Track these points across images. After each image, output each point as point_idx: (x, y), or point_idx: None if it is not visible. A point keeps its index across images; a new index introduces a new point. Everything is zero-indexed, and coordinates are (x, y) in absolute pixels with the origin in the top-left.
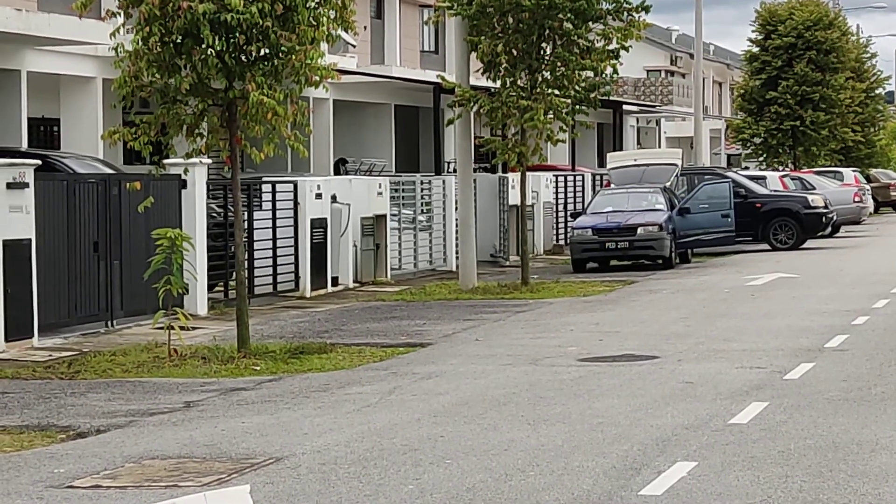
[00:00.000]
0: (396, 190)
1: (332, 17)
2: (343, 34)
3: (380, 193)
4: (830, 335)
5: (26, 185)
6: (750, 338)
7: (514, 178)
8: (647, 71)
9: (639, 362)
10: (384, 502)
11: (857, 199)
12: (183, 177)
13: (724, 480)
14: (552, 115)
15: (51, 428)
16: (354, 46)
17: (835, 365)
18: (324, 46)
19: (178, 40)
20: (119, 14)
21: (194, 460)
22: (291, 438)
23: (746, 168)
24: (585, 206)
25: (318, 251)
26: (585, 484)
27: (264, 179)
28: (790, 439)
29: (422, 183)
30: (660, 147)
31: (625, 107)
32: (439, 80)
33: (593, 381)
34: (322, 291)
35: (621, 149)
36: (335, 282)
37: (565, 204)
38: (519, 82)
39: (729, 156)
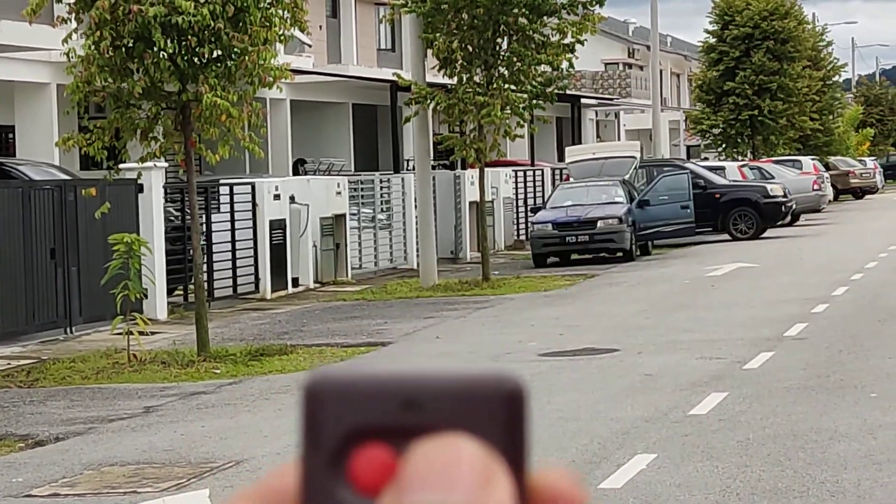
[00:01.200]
0: (355, 189)
1: (284, 17)
2: (297, 34)
3: (338, 193)
4: (790, 324)
5: None
6: (710, 328)
7: (472, 174)
8: (605, 64)
9: (599, 356)
10: None
11: (815, 187)
12: (139, 181)
13: (684, 472)
14: (509, 111)
15: (9, 437)
16: (310, 46)
17: (794, 354)
18: (278, 47)
19: (130, 44)
20: (70, 19)
21: (154, 466)
22: (251, 441)
23: (706, 159)
24: (545, 200)
25: (278, 252)
26: None
27: (221, 181)
28: (749, 429)
29: (381, 182)
30: (619, 140)
31: (583, 100)
32: (396, 79)
33: (554, 376)
34: (282, 293)
35: (580, 142)
36: (295, 283)
37: (525, 199)
38: (475, 78)
39: (689, 147)
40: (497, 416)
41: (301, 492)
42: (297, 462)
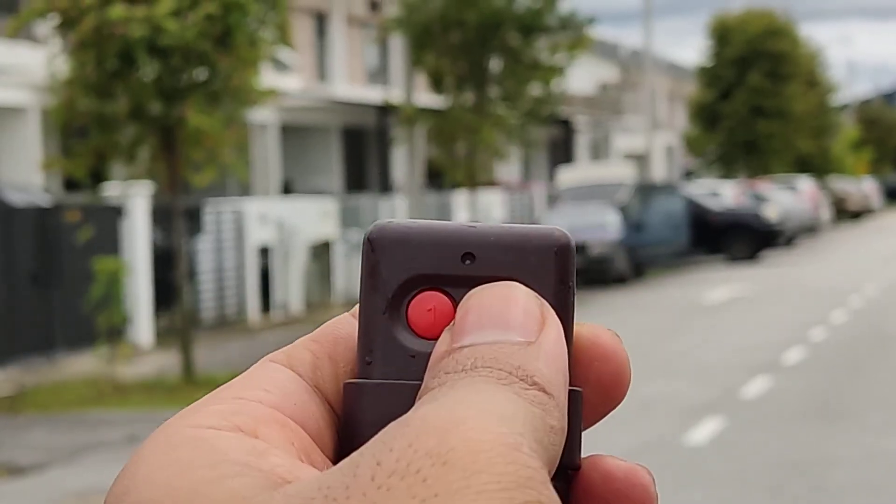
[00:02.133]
0: (343, 212)
1: (270, 38)
2: (283, 55)
3: (326, 216)
4: (786, 349)
5: None
6: (705, 354)
7: (463, 197)
8: (599, 85)
9: None
10: None
11: (812, 209)
12: (122, 205)
13: (680, 500)
14: (501, 132)
15: None
16: (295, 68)
17: (791, 380)
18: (264, 68)
19: (114, 66)
20: (53, 40)
21: None
22: None
23: (698, 179)
24: (537, 223)
25: (265, 277)
26: None
27: (207, 204)
28: (746, 457)
29: (369, 205)
30: (612, 161)
31: (576, 121)
32: (385, 101)
33: None
34: (269, 318)
35: (573, 163)
36: (283, 308)
37: (516, 221)
38: (466, 99)
39: (687, 171)
40: (547, 266)
41: (361, 335)
42: (359, 306)
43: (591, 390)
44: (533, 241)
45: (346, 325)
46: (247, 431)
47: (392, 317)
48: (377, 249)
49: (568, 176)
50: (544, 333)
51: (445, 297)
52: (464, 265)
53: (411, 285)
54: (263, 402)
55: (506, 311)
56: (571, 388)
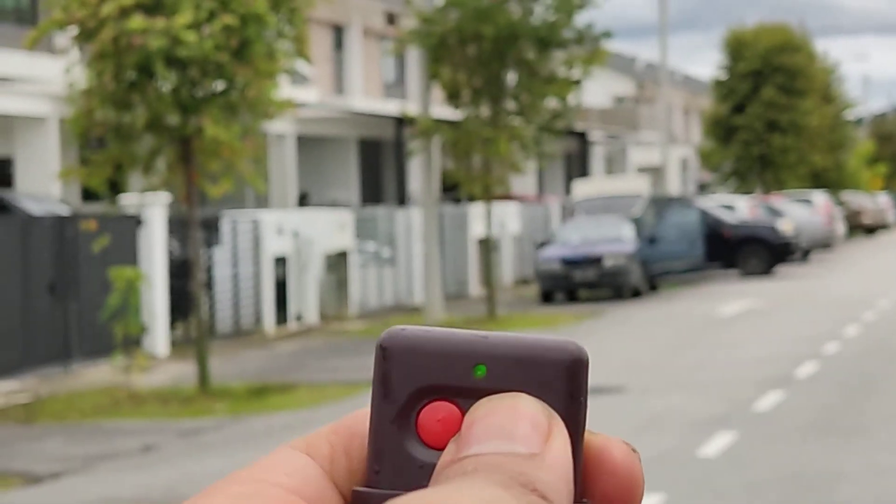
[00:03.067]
0: (360, 224)
1: (288, 50)
2: (301, 67)
3: (342, 227)
4: (799, 363)
5: None
6: (718, 368)
7: (478, 209)
8: (614, 98)
9: (605, 395)
10: None
11: (827, 223)
12: (139, 215)
13: None
14: (517, 145)
15: (6, 473)
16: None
17: (804, 394)
18: (281, 79)
19: (132, 76)
20: (72, 51)
21: None
22: None
23: (713, 193)
24: (552, 236)
25: (280, 288)
26: None
27: (224, 215)
28: (757, 471)
29: (385, 216)
30: (627, 175)
31: (591, 134)
32: (401, 113)
33: None
34: (285, 328)
35: (588, 177)
36: (298, 318)
37: (532, 234)
38: (482, 112)
39: (702, 185)
40: (558, 380)
41: (371, 442)
42: (369, 413)
43: None
44: (545, 355)
45: (363, 421)
46: None
47: (401, 426)
48: (389, 358)
49: (583, 189)
50: (549, 444)
51: (455, 408)
52: (475, 376)
53: (422, 395)
54: (284, 486)
55: (512, 422)
56: (579, 503)
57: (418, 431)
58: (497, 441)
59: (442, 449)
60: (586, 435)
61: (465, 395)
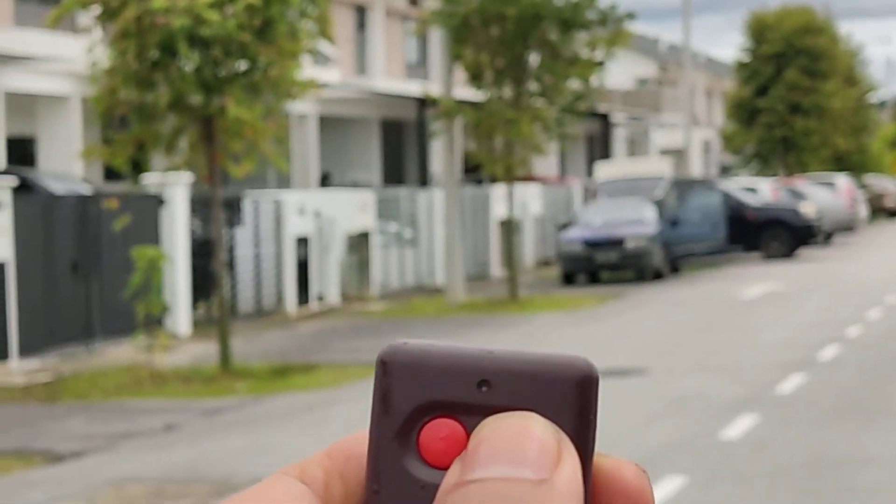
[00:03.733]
0: (381, 205)
1: (311, 30)
2: (323, 47)
3: (364, 208)
4: (822, 346)
5: (3, 205)
6: (740, 350)
7: (500, 190)
8: (637, 80)
9: (627, 378)
10: None
11: (849, 206)
12: (161, 194)
13: (712, 497)
14: (539, 126)
15: (28, 452)
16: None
17: (826, 377)
18: (304, 60)
19: (155, 56)
20: (95, 30)
21: (174, 483)
22: (274, 460)
23: (735, 175)
24: (574, 217)
25: (302, 268)
26: None
27: (246, 195)
28: (779, 454)
29: (407, 197)
30: (650, 157)
31: (614, 116)
32: (423, 94)
33: None
34: (306, 309)
35: (611, 158)
36: (320, 299)
37: (553, 216)
38: (505, 93)
39: (725, 167)
40: (567, 398)
41: (370, 461)
42: (369, 430)
43: None
44: (553, 371)
45: (359, 443)
46: None
47: (402, 444)
48: (389, 372)
49: (605, 170)
50: (559, 471)
51: (459, 426)
52: (480, 393)
53: (424, 411)
54: None
55: (520, 444)
56: None
57: (420, 450)
58: (504, 465)
59: (444, 468)
60: (596, 457)
61: (470, 412)
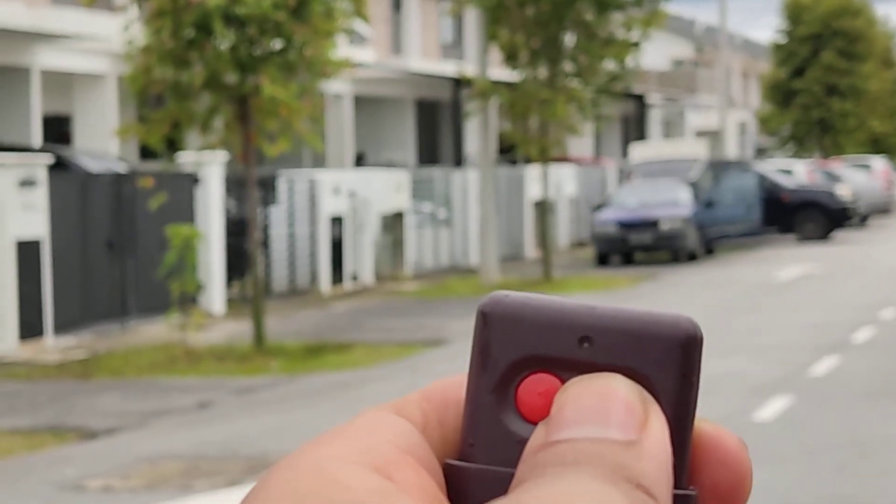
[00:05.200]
0: (416, 185)
1: (346, 10)
2: (358, 27)
3: (399, 188)
4: (856, 329)
5: (39, 183)
6: (774, 332)
7: (535, 171)
8: (672, 61)
9: None
10: None
11: (885, 189)
12: (196, 173)
13: None
14: (574, 107)
15: (62, 428)
16: (370, 40)
17: (861, 359)
18: (339, 39)
19: (190, 34)
20: (130, 8)
21: (207, 461)
22: (307, 438)
23: (771, 157)
24: (609, 198)
25: (336, 247)
26: None
27: (281, 174)
28: (813, 435)
29: (441, 178)
30: (685, 138)
31: (649, 97)
32: (459, 74)
33: None
34: (340, 288)
35: (646, 140)
36: (354, 278)
37: (588, 197)
38: (540, 73)
39: (760, 149)
40: (671, 359)
41: (466, 414)
42: (466, 382)
43: (707, 494)
44: (657, 330)
45: (457, 388)
46: (381, 472)
47: (500, 398)
48: (490, 325)
49: (641, 152)
50: (647, 432)
51: (558, 381)
52: (580, 349)
53: (523, 366)
54: (396, 445)
55: (606, 405)
56: (685, 491)
57: (517, 404)
58: (591, 426)
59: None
60: (697, 421)
61: (569, 367)
